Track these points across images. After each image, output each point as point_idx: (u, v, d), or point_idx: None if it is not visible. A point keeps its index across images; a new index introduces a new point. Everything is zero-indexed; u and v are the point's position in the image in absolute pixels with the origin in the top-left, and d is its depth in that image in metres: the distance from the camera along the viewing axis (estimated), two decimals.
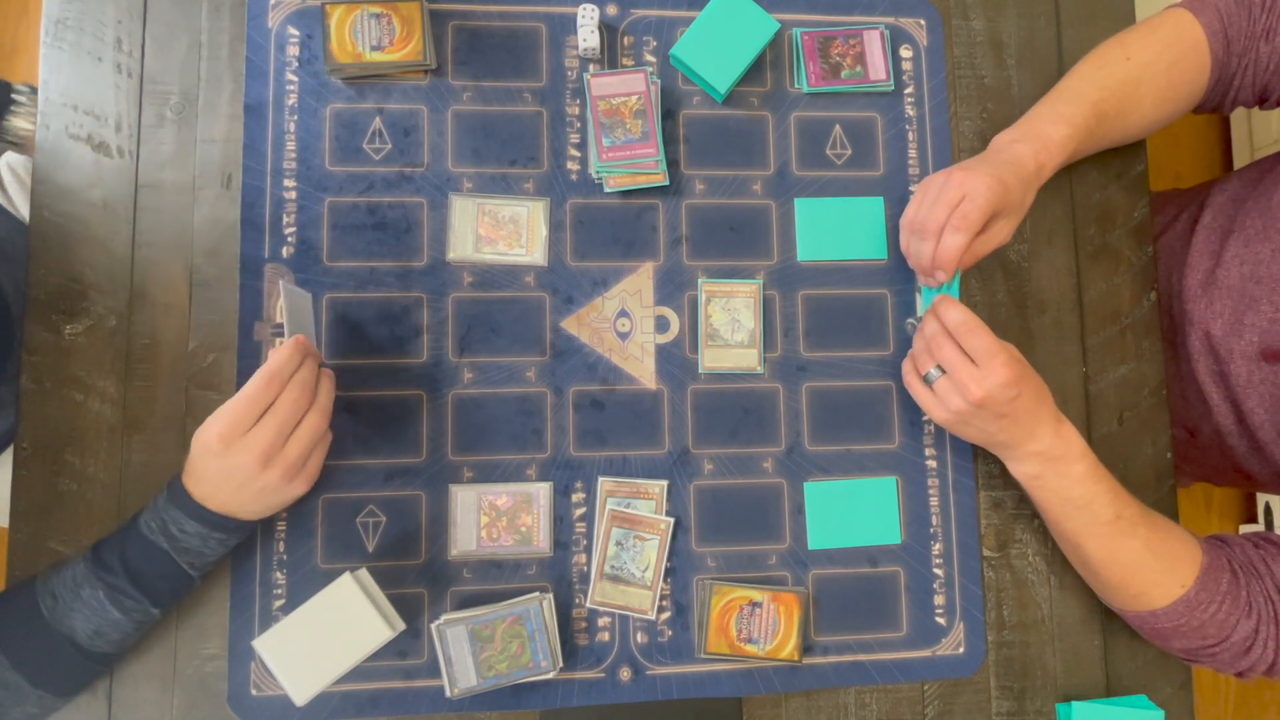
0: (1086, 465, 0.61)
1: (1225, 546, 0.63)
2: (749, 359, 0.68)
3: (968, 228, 0.59)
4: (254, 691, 0.61)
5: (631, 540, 0.65)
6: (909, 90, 0.73)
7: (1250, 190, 0.71)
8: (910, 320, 0.69)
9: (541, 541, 0.65)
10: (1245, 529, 1.56)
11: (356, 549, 0.63)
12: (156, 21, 0.67)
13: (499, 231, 0.68)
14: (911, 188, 0.72)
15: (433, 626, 0.60)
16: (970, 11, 0.75)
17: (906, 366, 0.65)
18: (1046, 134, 0.64)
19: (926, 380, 0.62)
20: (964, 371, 0.59)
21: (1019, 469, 0.63)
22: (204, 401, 0.64)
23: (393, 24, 0.66)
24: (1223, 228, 0.71)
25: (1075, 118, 0.64)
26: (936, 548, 0.68)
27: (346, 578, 0.57)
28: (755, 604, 0.63)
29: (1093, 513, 0.60)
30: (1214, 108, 0.71)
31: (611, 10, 0.71)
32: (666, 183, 0.68)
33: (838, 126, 0.72)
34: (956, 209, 0.60)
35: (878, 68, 0.72)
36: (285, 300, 0.57)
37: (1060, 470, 0.61)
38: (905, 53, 0.73)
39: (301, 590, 0.62)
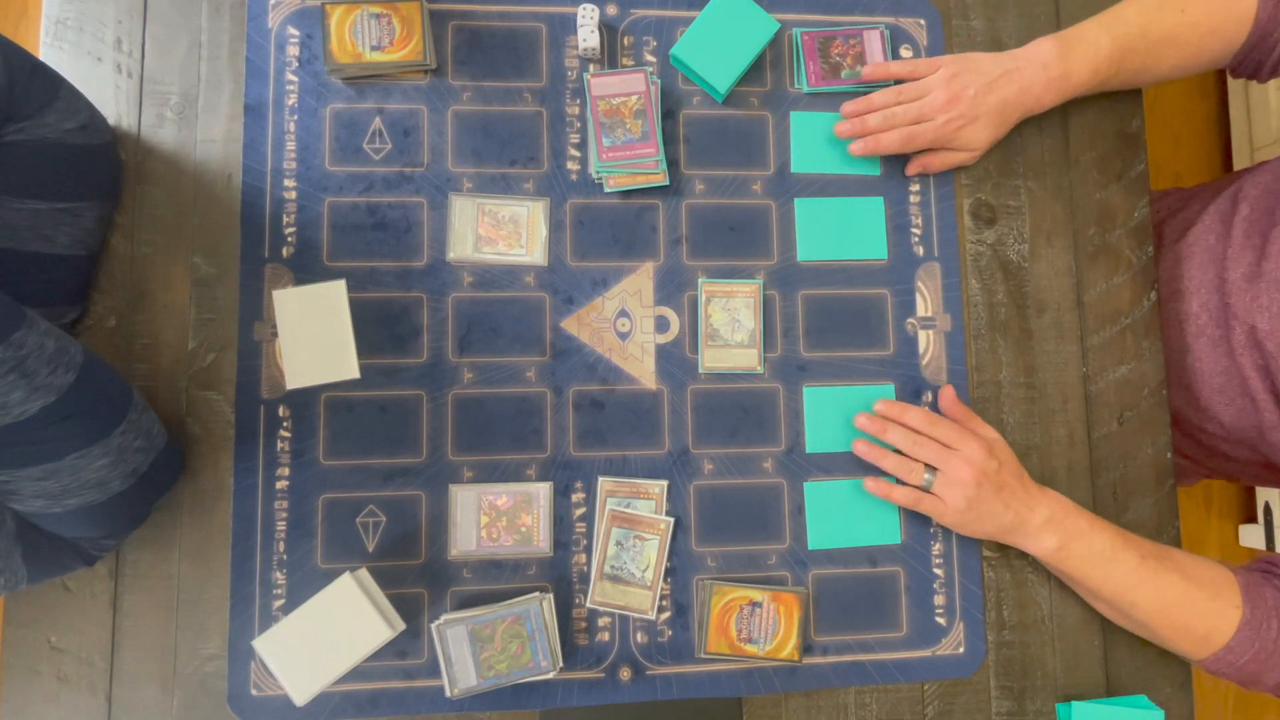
0: (1088, 517, 0.64)
1: (1240, 571, 0.64)
2: (749, 359, 0.68)
3: (910, 148, 0.68)
4: (254, 691, 0.61)
5: (631, 540, 0.65)
6: None
7: None
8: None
9: (541, 541, 0.65)
10: (1245, 529, 1.56)
11: (356, 549, 0.63)
12: (156, 21, 0.67)
13: (499, 231, 0.68)
14: (912, 187, 0.72)
15: (433, 626, 0.60)
16: (970, 11, 0.75)
17: (900, 494, 0.65)
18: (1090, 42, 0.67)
19: (925, 488, 0.64)
20: (952, 459, 0.63)
21: (1040, 545, 0.64)
22: (204, 401, 0.64)
23: (393, 24, 0.66)
24: (1262, 221, 0.70)
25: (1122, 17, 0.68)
26: (936, 548, 0.68)
27: (346, 578, 0.57)
28: (755, 604, 0.63)
29: (1122, 560, 0.62)
30: (1254, 69, 0.70)
31: (611, 10, 0.71)
32: (666, 183, 0.68)
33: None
34: (918, 132, 0.67)
35: None
36: (277, 308, 0.58)
37: (1074, 530, 0.63)
38: (905, 53, 0.73)
39: (301, 590, 0.62)
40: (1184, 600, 0.61)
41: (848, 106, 0.70)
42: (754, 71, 0.71)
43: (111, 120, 0.65)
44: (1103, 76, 0.68)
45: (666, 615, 0.65)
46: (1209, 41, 0.68)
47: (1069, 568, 0.64)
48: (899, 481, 0.66)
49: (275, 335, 0.64)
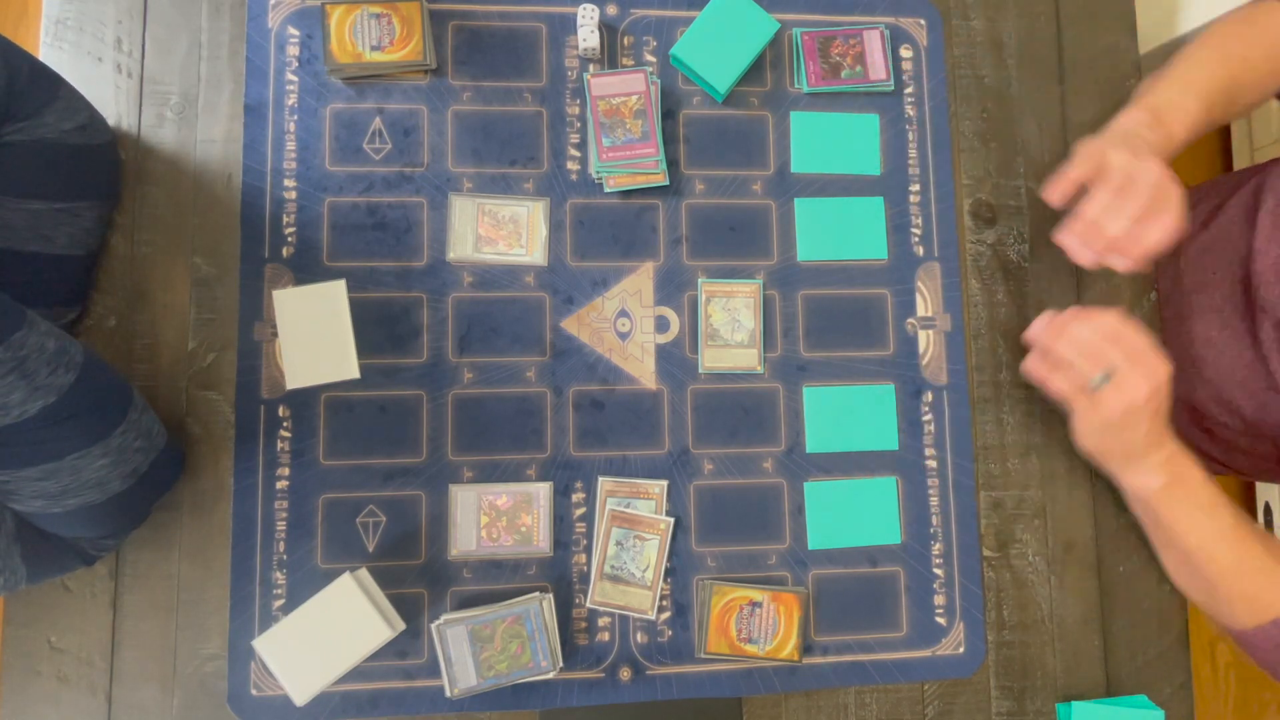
0: (1203, 470, 0.62)
1: None
2: (749, 359, 0.68)
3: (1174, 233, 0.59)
4: (254, 691, 0.61)
5: (631, 540, 0.65)
6: (909, 90, 0.73)
7: None
8: (1038, 324, 0.65)
9: (541, 541, 0.65)
10: None
11: (356, 549, 0.63)
12: (156, 21, 0.67)
13: (499, 231, 0.68)
14: (912, 187, 0.72)
15: (433, 626, 0.60)
16: (970, 11, 0.75)
17: (1058, 382, 0.62)
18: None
19: (1092, 387, 0.60)
20: (1135, 372, 0.59)
21: (1146, 481, 0.63)
22: (204, 401, 0.64)
23: (393, 24, 0.66)
24: None
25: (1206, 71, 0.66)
26: (936, 548, 0.68)
27: (346, 578, 0.57)
28: (755, 604, 0.63)
29: (1219, 516, 0.61)
30: None
31: (611, 10, 0.71)
32: (666, 183, 0.68)
33: None
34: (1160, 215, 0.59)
35: (878, 67, 0.72)
36: (277, 308, 0.58)
37: (1184, 478, 0.62)
38: (905, 53, 0.73)
39: (301, 590, 0.62)
40: (1260, 569, 0.61)
41: (1083, 259, 0.61)
42: (754, 71, 0.71)
43: (111, 120, 0.65)
44: (1194, 134, 0.66)
45: (666, 615, 0.65)
46: (1274, 80, 0.69)
47: (1162, 509, 0.63)
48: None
49: (275, 335, 0.64)
